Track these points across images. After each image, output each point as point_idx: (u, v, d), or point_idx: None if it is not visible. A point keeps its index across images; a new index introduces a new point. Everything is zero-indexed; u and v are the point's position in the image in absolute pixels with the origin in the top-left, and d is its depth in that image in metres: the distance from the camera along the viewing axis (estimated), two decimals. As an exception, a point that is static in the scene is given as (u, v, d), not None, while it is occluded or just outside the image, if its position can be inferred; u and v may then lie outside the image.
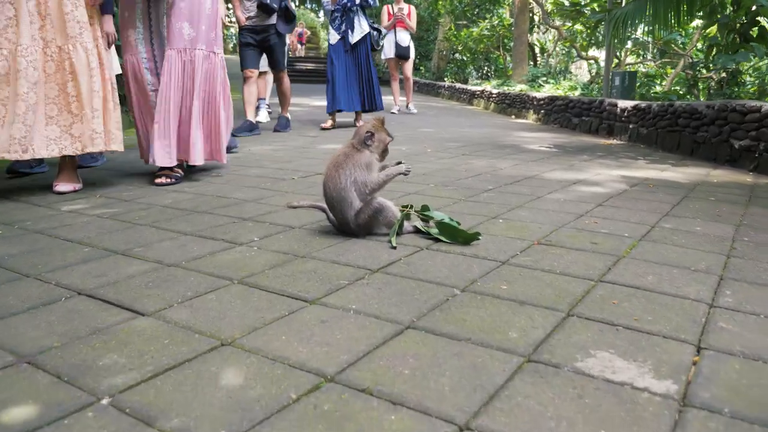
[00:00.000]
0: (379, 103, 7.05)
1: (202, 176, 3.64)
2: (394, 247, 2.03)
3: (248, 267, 1.84)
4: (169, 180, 3.42)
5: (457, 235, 2.07)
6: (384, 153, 2.25)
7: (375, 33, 7.06)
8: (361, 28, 6.72)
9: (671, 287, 1.67)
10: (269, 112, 8.03)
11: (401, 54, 9.45)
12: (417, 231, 2.23)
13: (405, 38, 9.42)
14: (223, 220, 2.50)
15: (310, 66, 22.23)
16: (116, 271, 1.82)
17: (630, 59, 13.87)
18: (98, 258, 1.97)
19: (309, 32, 31.26)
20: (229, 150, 4.85)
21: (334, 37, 6.75)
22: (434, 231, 2.16)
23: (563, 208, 2.71)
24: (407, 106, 9.72)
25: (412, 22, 9.44)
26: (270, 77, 7.40)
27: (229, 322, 1.42)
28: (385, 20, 9.46)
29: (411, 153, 4.81)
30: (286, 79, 6.49)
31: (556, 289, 1.63)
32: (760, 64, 8.20)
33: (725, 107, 4.61)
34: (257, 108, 7.96)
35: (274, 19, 6.00)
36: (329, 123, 6.99)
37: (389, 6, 9.49)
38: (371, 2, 6.76)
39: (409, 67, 9.67)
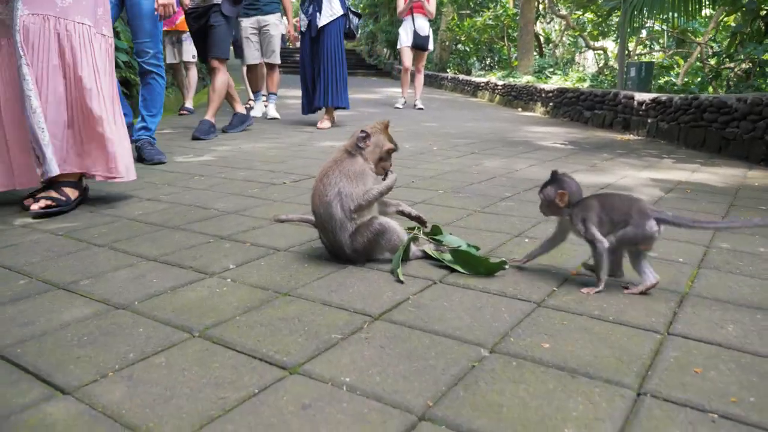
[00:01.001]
0: (343, 100, 5.94)
1: (181, 180, 3.24)
2: (401, 282, 1.64)
3: (216, 311, 1.45)
4: (44, 205, 2.44)
5: (478, 265, 1.68)
6: (381, 162, 1.85)
7: (354, 18, 6.03)
8: (331, 10, 5.72)
9: (763, 345, 1.28)
10: (266, 105, 7.59)
11: (419, 44, 8.32)
12: (426, 256, 1.84)
13: (424, 26, 8.28)
14: (196, 239, 2.11)
15: (309, 57, 21.72)
16: (48, 317, 1.43)
17: (639, 49, 13.41)
18: (33, 295, 1.58)
19: None
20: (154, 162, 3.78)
21: (304, 22, 5.85)
22: (448, 258, 1.77)
23: (597, 222, 2.31)
24: (415, 102, 8.79)
25: (431, 6, 8.31)
26: (264, 69, 6.88)
27: (175, 408, 1.03)
28: (400, 4, 8.34)
29: (415, 151, 4.41)
30: (222, 74, 5.13)
31: (613, 347, 1.24)
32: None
33: (759, 101, 4.20)
34: (253, 101, 7.52)
35: None
36: (327, 123, 6.12)
37: None
38: None
39: (423, 60, 8.63)
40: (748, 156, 4.27)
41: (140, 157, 3.85)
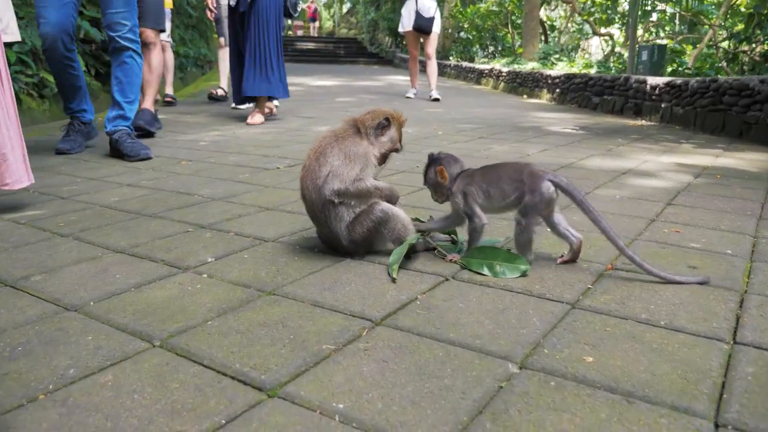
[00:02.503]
0: (277, 89, 4.82)
1: (166, 165, 3.00)
2: (394, 280, 1.38)
3: (184, 313, 1.21)
4: None
5: (495, 261, 1.42)
6: (383, 160, 1.62)
7: None
8: None
9: None
10: (222, 95, 6.86)
11: (422, 26, 7.21)
12: (432, 249, 1.59)
13: (429, 5, 7.22)
14: (174, 228, 1.86)
15: (310, 45, 21.46)
16: (-17, 321, 1.19)
17: (646, 36, 13.08)
18: (-27, 293, 1.34)
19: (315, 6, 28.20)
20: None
21: None
22: (455, 249, 1.52)
23: (625, 210, 2.07)
24: (430, 92, 7.68)
25: None
26: (225, 53, 5.86)
27: (115, 446, 0.79)
28: None
29: (419, 136, 4.16)
30: (158, 50, 4.04)
31: (673, 361, 1.00)
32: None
33: (786, 82, 3.94)
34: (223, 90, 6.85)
35: None
36: (259, 117, 4.90)
37: None
38: None
39: (432, 44, 7.43)
40: (772, 141, 4.01)
41: (118, 152, 3.19)
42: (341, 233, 1.50)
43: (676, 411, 0.86)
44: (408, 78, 8.16)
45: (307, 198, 1.53)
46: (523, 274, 1.39)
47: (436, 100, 7.43)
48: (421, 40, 7.61)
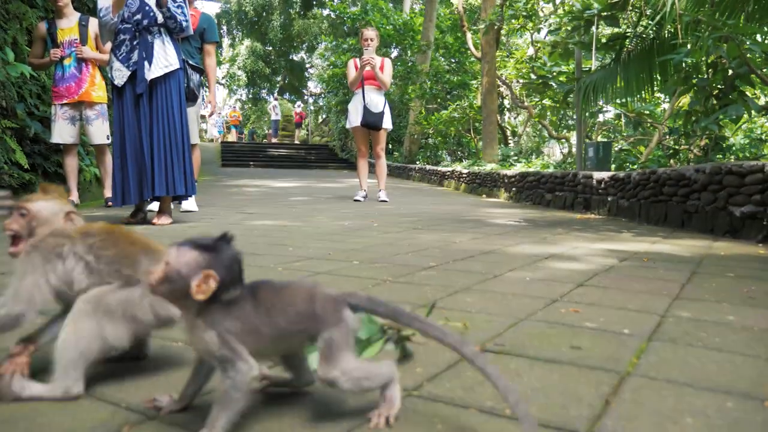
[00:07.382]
0: (188, 185, 4.16)
1: None
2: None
3: None
4: None
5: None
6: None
7: (195, 75, 4.82)
8: (165, 59, 4.03)
9: (737, 447, 0.81)
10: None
11: (371, 122, 6.59)
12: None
13: (377, 101, 6.63)
14: None
15: (282, 152, 21.90)
16: None
17: (600, 138, 13.58)
18: None
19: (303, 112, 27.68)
20: None
21: (121, 74, 3.99)
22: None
23: (528, 291, 1.88)
24: (378, 194, 7.07)
25: (385, 76, 6.61)
26: (198, 152, 5.38)
27: None
28: (351, 73, 6.72)
29: (352, 228, 4.00)
30: None
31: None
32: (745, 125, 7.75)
33: (718, 170, 3.94)
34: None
35: None
36: (167, 218, 4.21)
37: (356, 59, 6.79)
38: (182, 22, 4.05)
39: (381, 141, 6.82)
40: (713, 229, 3.94)
41: None
42: None
43: None
44: (356, 179, 7.48)
45: None
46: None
47: (384, 201, 6.87)
48: (371, 136, 7.01)
